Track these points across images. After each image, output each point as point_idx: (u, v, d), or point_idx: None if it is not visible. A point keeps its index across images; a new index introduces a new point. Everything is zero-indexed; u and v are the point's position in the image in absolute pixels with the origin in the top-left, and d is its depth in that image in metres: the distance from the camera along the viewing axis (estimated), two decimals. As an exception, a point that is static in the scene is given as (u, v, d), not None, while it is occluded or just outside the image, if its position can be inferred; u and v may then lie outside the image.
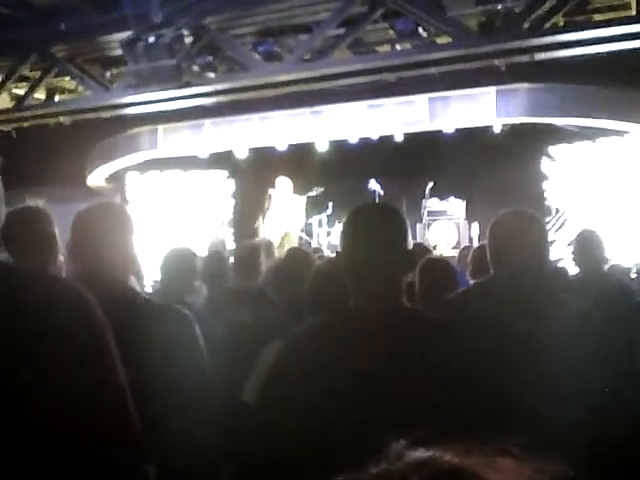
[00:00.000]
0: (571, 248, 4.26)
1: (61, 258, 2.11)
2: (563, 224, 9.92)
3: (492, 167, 9.43)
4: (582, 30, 6.67)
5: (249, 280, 3.53)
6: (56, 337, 0.98)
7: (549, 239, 2.49)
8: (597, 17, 7.21)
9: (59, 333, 0.98)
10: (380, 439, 0.56)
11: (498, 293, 2.18)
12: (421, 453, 0.52)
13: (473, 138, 9.22)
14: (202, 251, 4.42)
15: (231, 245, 10.35)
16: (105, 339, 1.05)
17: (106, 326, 1.06)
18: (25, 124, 9.27)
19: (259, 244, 4.10)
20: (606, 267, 4.25)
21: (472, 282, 3.66)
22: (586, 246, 3.98)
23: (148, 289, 4.71)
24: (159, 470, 1.38)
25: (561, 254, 9.26)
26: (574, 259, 4.16)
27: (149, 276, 5.78)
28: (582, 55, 6.90)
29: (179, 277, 3.10)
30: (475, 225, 9.18)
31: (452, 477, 0.50)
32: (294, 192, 9.02)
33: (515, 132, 9.17)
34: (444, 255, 7.09)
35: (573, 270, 4.40)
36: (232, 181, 11.64)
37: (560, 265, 5.41)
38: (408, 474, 0.51)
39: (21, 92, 9.27)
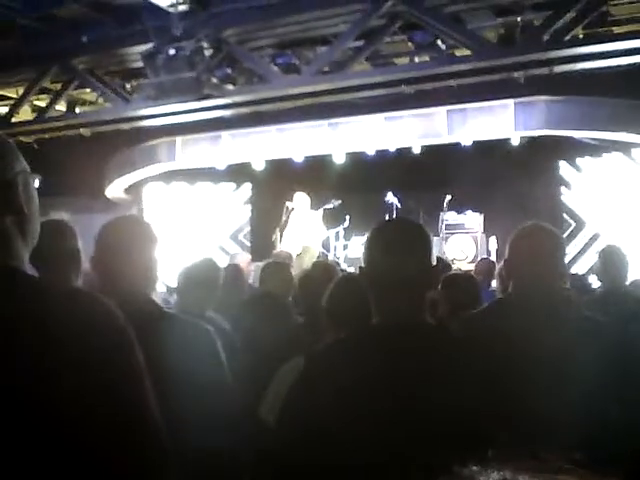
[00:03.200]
0: (594, 263, 4.23)
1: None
2: (578, 235, 9.85)
3: (510, 180, 9.38)
4: (602, 42, 6.65)
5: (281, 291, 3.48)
6: (86, 355, 0.97)
7: (566, 253, 2.47)
8: (617, 29, 7.18)
9: (89, 351, 0.97)
10: (408, 455, 0.57)
11: (517, 309, 2.17)
12: (496, 475, 0.53)
13: (491, 151, 9.17)
14: (222, 263, 4.41)
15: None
16: (136, 358, 1.04)
17: (136, 344, 1.04)
18: (46, 136, 9.37)
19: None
20: (627, 282, 4.21)
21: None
22: (608, 262, 3.96)
23: (168, 302, 4.70)
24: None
25: (580, 267, 9.20)
26: (597, 274, 4.14)
27: (167, 288, 5.78)
28: (601, 68, 6.86)
29: (201, 290, 3.03)
30: (493, 239, 9.11)
31: None
32: (311, 205, 9.00)
33: (533, 145, 9.12)
34: (462, 269, 7.04)
35: (595, 285, 4.37)
36: (249, 193, 11.69)
37: (581, 280, 5.37)
38: None
39: (42, 104, 9.40)
